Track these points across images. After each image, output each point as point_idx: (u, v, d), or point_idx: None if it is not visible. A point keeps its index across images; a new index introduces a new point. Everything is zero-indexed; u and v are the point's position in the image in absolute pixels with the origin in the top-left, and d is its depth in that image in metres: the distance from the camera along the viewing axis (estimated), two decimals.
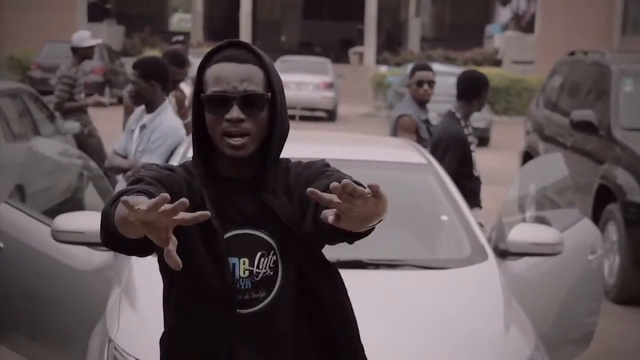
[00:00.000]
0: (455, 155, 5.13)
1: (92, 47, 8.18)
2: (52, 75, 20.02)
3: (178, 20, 46.31)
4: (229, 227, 1.91)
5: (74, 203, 6.22)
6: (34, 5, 27.48)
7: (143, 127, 4.87)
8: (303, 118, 20.26)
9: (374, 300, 3.52)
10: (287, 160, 2.02)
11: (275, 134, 1.91)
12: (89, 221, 3.92)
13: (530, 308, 3.73)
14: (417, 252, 3.92)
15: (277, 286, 1.94)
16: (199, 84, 1.92)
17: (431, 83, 5.91)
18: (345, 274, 3.59)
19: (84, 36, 8.18)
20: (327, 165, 1.99)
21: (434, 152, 5.05)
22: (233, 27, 30.12)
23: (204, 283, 1.89)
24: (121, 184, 4.88)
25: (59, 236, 3.88)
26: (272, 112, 1.90)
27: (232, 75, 1.86)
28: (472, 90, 5.32)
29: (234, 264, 1.91)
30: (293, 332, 1.97)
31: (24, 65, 22.91)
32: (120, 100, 22.01)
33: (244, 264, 1.91)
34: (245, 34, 30.50)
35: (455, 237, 4.01)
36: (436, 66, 16.50)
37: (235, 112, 1.85)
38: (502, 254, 3.98)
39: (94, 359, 3.37)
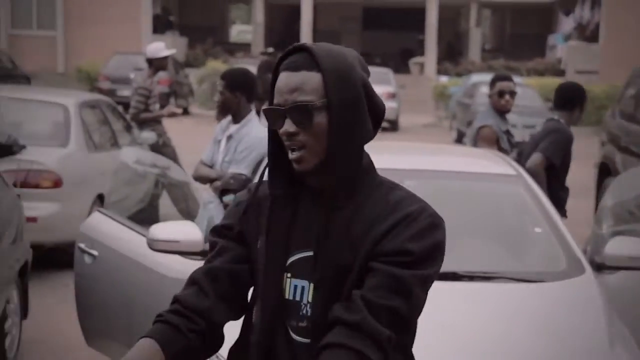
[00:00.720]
0: (562, 149, 5.24)
1: (166, 58, 8.32)
2: (119, 86, 20.44)
3: (238, 32, 46.72)
4: (300, 246, 1.76)
5: (149, 212, 6.30)
6: (100, 19, 28.04)
7: (230, 137, 4.92)
8: None
9: (469, 313, 3.50)
10: (392, 184, 1.79)
11: (331, 144, 1.70)
12: (184, 231, 3.98)
13: (628, 324, 3.66)
14: (511, 265, 3.89)
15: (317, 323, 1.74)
16: (272, 93, 1.79)
17: (512, 93, 5.89)
18: (440, 286, 3.63)
19: (159, 47, 8.32)
20: (422, 251, 1.71)
21: (538, 143, 5.12)
22: (293, 37, 30.30)
23: (264, 302, 1.77)
24: (210, 197, 4.93)
25: (155, 245, 3.94)
26: (331, 121, 1.71)
27: (284, 86, 1.72)
28: (571, 99, 5.42)
29: (303, 287, 1.74)
30: None
31: (92, 77, 23.37)
32: (185, 111, 22.31)
33: (311, 289, 1.73)
34: None
35: (549, 249, 3.96)
36: None
37: (286, 126, 1.72)
38: (598, 267, 3.92)
39: None
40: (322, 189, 1.74)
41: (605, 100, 21.64)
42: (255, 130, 4.89)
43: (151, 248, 3.96)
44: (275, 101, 1.74)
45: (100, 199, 7.22)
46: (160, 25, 29.56)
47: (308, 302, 1.73)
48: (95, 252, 4.36)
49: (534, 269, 3.89)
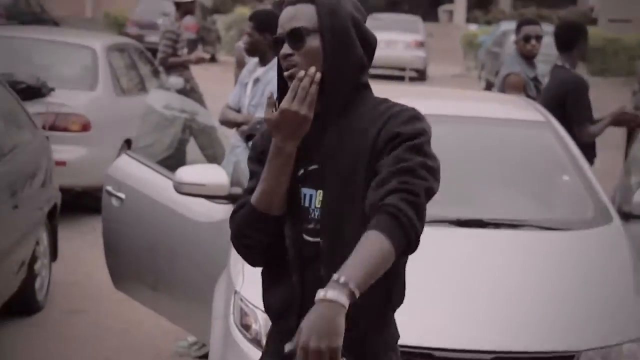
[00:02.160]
0: (586, 100, 5.14)
1: (194, 2, 8.26)
2: (147, 31, 20.35)
3: None
4: (310, 160, 2.05)
5: (176, 158, 6.32)
6: None
7: (257, 80, 4.88)
8: (392, 78, 20.08)
9: (496, 260, 3.50)
10: (382, 99, 2.08)
11: (327, 66, 2.00)
12: (210, 174, 3.98)
13: None
14: (538, 212, 3.87)
15: (327, 227, 2.03)
16: None
17: (538, 38, 5.78)
18: (466, 232, 3.63)
19: None
20: (411, 134, 1.99)
21: (556, 106, 4.96)
22: None
23: (287, 209, 2.06)
24: (237, 141, 4.92)
25: (182, 188, 3.95)
26: (325, 48, 2.03)
27: (284, 17, 2.06)
28: (570, 39, 5.31)
29: (311, 195, 2.05)
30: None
31: (120, 22, 23.30)
32: (212, 58, 22.23)
33: (319, 196, 2.04)
34: None
35: (577, 197, 3.94)
36: None
37: (283, 49, 2.03)
38: (626, 216, 3.89)
39: (219, 310, 3.45)
40: (322, 112, 2.03)
41: (638, 50, 21.24)
42: None
43: (177, 191, 3.98)
44: (277, 33, 2.06)
45: (127, 143, 7.25)
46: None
47: (316, 207, 2.04)
48: (122, 195, 4.39)
49: (561, 217, 3.87)
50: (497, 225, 3.67)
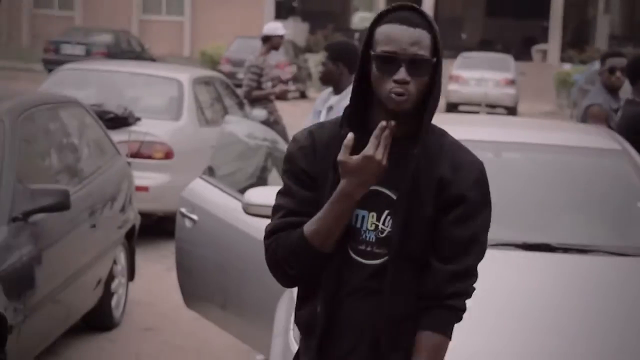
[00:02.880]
0: None
1: (282, 37, 8.41)
2: (239, 69, 20.79)
3: (360, 19, 46.83)
4: None
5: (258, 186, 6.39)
6: (224, 4, 28.67)
7: (330, 108, 4.96)
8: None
9: (563, 286, 3.42)
10: (442, 131, 2.08)
11: (433, 97, 1.99)
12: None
13: None
14: (609, 238, 3.77)
15: (397, 247, 2.00)
16: (369, 41, 2.01)
17: (623, 70, 5.67)
18: (533, 257, 3.56)
19: (277, 26, 8.45)
20: (480, 200, 2.04)
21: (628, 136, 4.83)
22: None
23: None
24: None
25: (250, 209, 4.01)
26: (432, 77, 1.99)
27: (403, 37, 1.94)
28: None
29: (363, 216, 2.02)
30: (406, 292, 2.03)
31: (215, 60, 23.90)
32: (302, 95, 22.54)
33: (372, 218, 2.01)
34: None
35: None
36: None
37: (402, 74, 1.93)
38: None
39: (280, 327, 3.47)
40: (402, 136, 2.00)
41: None
42: None
43: (246, 212, 4.04)
44: (389, 49, 1.95)
45: (210, 171, 7.40)
46: (283, 11, 29.94)
47: (368, 229, 2.02)
48: (195, 217, 4.48)
49: (634, 243, 3.75)
50: (565, 249, 3.59)
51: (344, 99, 4.93)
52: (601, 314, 3.21)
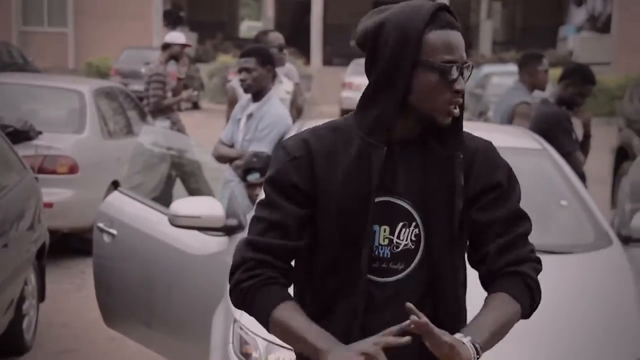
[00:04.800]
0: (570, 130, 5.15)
1: (183, 47, 8.25)
2: (129, 80, 20.40)
3: (248, 28, 46.77)
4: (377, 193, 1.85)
5: (163, 199, 6.26)
6: (110, 15, 28.04)
7: (250, 115, 4.87)
8: None
9: None
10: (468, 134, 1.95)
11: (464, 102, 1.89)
12: (205, 206, 3.92)
13: None
14: (538, 237, 3.80)
15: (416, 260, 1.86)
16: (417, 46, 1.81)
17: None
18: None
19: (180, 35, 8.32)
20: (508, 180, 1.96)
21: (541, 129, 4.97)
22: (304, 32, 30.23)
23: (337, 247, 1.85)
24: (231, 175, 4.89)
25: (177, 221, 3.88)
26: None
27: (460, 44, 1.83)
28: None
29: (374, 231, 1.85)
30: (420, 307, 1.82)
31: (101, 72, 23.35)
32: (195, 105, 22.25)
33: (384, 232, 1.85)
34: (315, 39, 30.59)
35: (576, 222, 3.91)
36: (510, 67, 16.24)
37: (462, 84, 1.83)
38: (625, 240, 3.86)
39: (219, 339, 3.36)
40: (414, 141, 1.86)
41: (617, 92, 21.46)
42: (275, 108, 4.84)
43: (172, 224, 3.91)
44: (451, 57, 1.81)
45: (115, 185, 7.19)
46: (171, 21, 29.55)
47: (380, 244, 1.85)
48: (114, 231, 4.32)
49: (562, 241, 3.83)
50: None
51: (264, 105, 4.85)
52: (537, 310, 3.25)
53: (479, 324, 1.78)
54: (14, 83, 7.89)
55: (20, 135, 6.67)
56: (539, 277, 1.93)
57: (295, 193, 1.85)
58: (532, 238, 3.77)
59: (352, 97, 21.12)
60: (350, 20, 37.62)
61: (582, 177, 5.16)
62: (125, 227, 4.28)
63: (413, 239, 1.86)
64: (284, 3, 34.21)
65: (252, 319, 1.88)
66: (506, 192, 1.93)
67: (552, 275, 3.52)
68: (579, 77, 5.24)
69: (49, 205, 6.48)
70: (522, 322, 3.13)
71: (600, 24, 29.06)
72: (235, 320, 3.20)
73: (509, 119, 5.64)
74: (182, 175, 6.78)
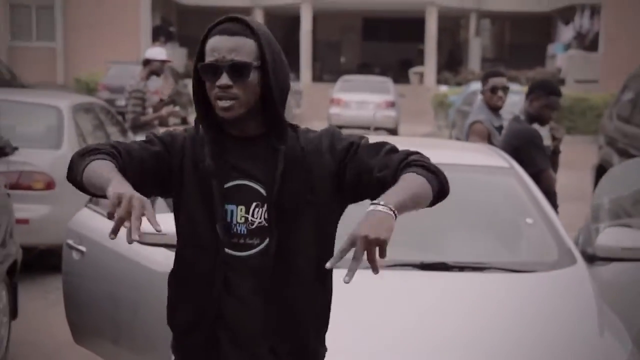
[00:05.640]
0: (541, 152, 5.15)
1: (163, 63, 8.25)
2: (118, 95, 20.39)
3: None
4: (230, 178, 2.14)
5: None
6: (99, 30, 28.08)
7: None
8: None
9: (460, 303, 3.45)
10: (296, 126, 2.22)
11: (275, 95, 2.10)
12: (171, 223, 3.91)
13: (621, 315, 3.61)
14: (502, 255, 3.84)
15: (269, 237, 2.13)
16: (200, 55, 2.13)
17: (505, 89, 5.86)
18: (430, 276, 3.58)
19: (160, 51, 8.30)
20: (356, 139, 2.18)
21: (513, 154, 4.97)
22: (293, 47, 30.32)
23: (197, 226, 2.16)
24: None
25: (144, 238, 3.87)
26: (266, 78, 2.10)
27: (223, 46, 2.08)
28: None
29: (232, 210, 2.14)
30: (288, 273, 2.14)
31: (90, 87, 23.36)
32: (183, 121, 22.27)
33: (240, 211, 2.14)
34: (305, 55, 30.66)
35: (541, 240, 3.92)
36: None
37: (224, 80, 2.07)
38: (590, 258, 3.87)
39: None
40: (244, 135, 2.14)
41: (604, 109, 21.56)
42: None
43: (139, 241, 3.90)
44: (211, 59, 2.09)
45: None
46: (161, 36, 29.57)
47: (238, 222, 2.13)
48: (83, 248, 4.31)
49: (526, 259, 3.84)
50: (461, 268, 3.63)
51: None
52: (496, 330, 3.26)
53: (391, 193, 1.97)
54: None
55: None
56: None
57: (159, 147, 2.15)
58: (496, 256, 3.81)
59: (340, 113, 21.18)
60: (340, 37, 37.87)
61: (553, 195, 5.19)
62: (94, 244, 4.28)
63: (266, 217, 2.13)
64: (273, 19, 34.32)
65: None
66: (359, 144, 2.16)
67: (512, 293, 3.55)
68: (541, 90, 5.29)
69: (25, 221, 6.47)
70: (482, 340, 3.16)
71: (587, 42, 29.23)
72: None
73: (467, 138, 5.69)
74: None
